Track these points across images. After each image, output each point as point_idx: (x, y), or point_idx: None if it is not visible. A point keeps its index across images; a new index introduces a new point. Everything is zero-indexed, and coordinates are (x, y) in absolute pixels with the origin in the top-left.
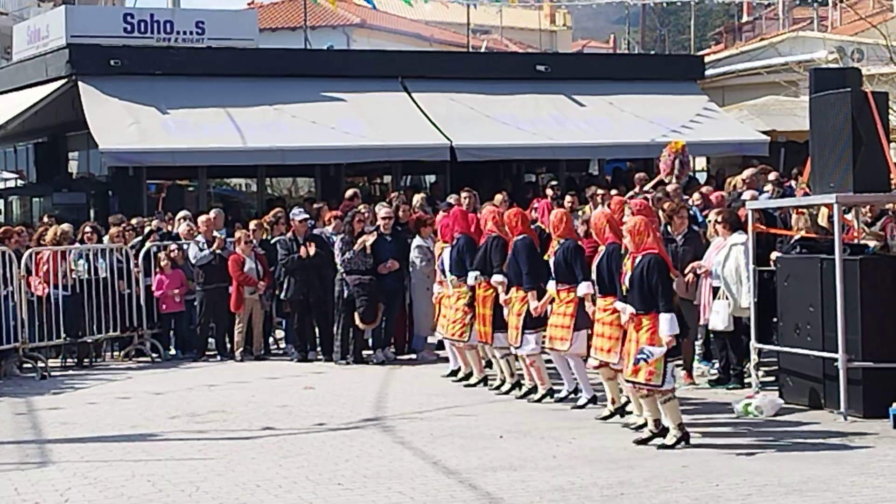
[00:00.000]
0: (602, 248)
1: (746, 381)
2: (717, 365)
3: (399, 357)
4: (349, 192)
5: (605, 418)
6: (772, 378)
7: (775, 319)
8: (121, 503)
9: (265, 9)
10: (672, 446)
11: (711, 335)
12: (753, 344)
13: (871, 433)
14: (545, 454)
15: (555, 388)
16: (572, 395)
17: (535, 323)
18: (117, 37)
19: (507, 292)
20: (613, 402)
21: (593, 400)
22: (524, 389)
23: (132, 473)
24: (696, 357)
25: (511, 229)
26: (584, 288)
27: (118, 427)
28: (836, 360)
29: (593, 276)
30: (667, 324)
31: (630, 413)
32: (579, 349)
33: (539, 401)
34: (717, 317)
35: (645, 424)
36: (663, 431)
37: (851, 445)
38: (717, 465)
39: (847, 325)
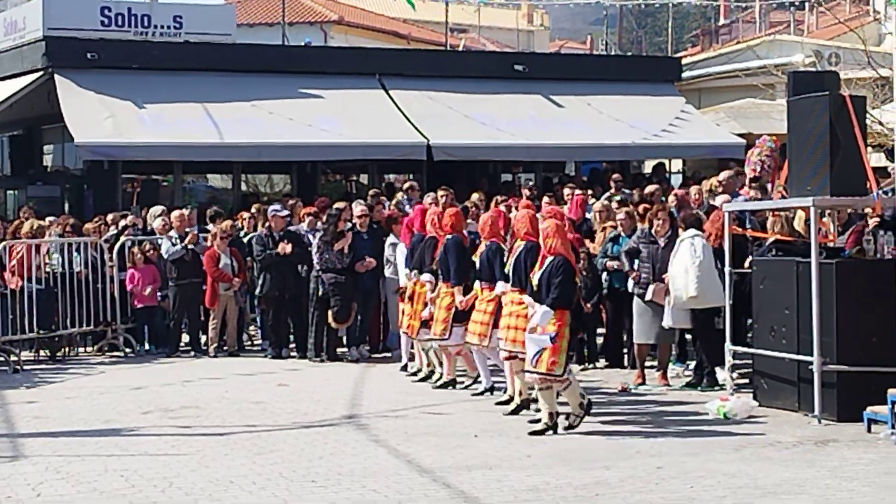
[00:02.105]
0: (520, 245)
1: (721, 382)
2: (690, 366)
3: (374, 355)
4: (406, 184)
5: (512, 412)
6: (746, 380)
7: (750, 321)
8: (93, 498)
9: (243, 4)
10: (574, 427)
11: (688, 337)
12: (728, 346)
13: (845, 437)
14: (520, 453)
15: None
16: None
17: (462, 317)
18: (94, 30)
19: (434, 289)
20: (520, 395)
21: (490, 390)
22: (441, 380)
23: (105, 468)
24: (671, 359)
25: (443, 228)
26: (500, 287)
27: (91, 422)
28: (810, 363)
29: (509, 271)
30: (539, 315)
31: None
32: (494, 345)
33: (467, 387)
34: (666, 314)
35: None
36: (555, 425)
37: (826, 449)
38: (691, 467)
39: (822, 328)
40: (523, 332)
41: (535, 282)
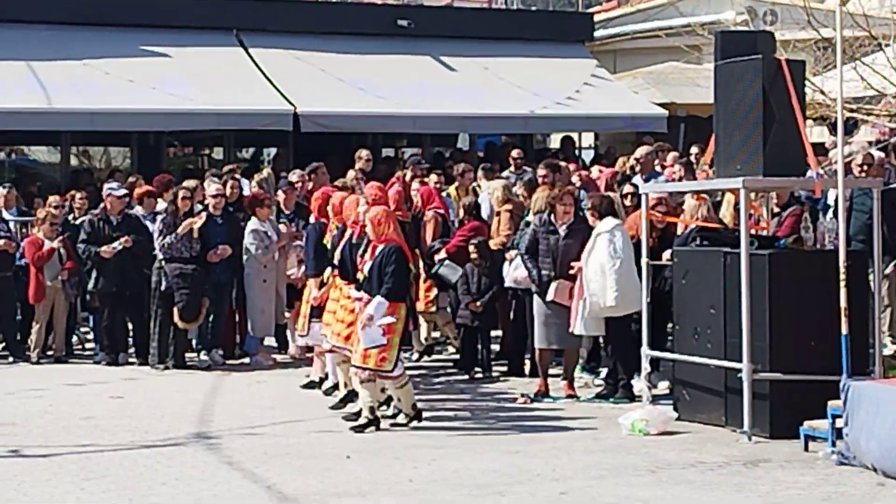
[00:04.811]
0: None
1: (637, 394)
2: (602, 375)
3: (228, 361)
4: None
5: (336, 406)
6: (665, 391)
7: (670, 324)
8: None
9: None
10: (405, 424)
11: (600, 341)
12: (644, 351)
13: (778, 456)
14: (400, 477)
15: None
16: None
17: (319, 312)
18: None
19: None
20: (346, 386)
21: (336, 386)
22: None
23: None
24: (579, 366)
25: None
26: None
27: None
28: (739, 370)
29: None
30: (373, 307)
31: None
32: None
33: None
34: (577, 321)
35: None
36: (377, 420)
37: (756, 470)
38: (600, 492)
39: (753, 330)
40: (350, 327)
41: (365, 272)
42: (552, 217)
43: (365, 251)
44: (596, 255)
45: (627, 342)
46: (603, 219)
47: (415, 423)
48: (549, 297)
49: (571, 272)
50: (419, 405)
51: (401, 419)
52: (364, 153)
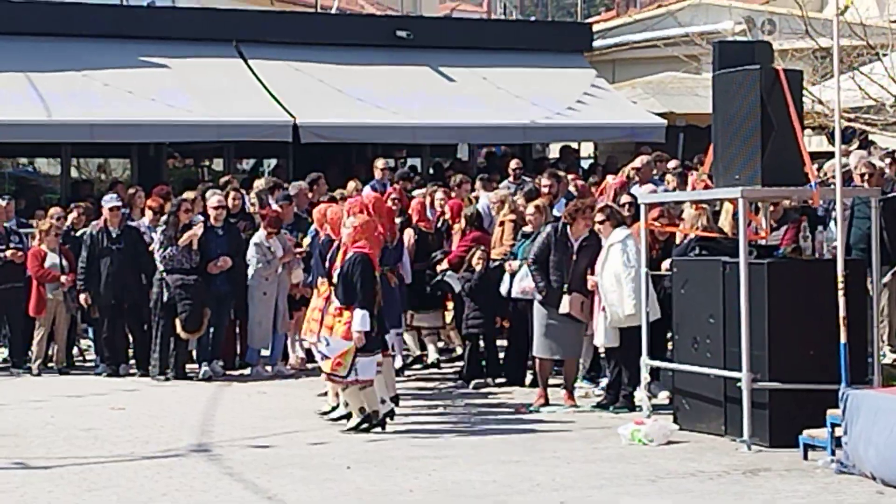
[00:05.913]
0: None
1: (637, 403)
2: (602, 384)
3: (229, 372)
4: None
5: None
6: (665, 401)
7: (670, 333)
8: None
9: None
10: (355, 428)
11: (601, 352)
12: (644, 361)
13: (778, 465)
14: (400, 488)
15: None
16: None
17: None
18: None
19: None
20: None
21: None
22: None
23: None
24: (579, 376)
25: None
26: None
27: None
28: (738, 379)
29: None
30: (358, 319)
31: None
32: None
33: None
34: (600, 332)
35: (348, 416)
36: (370, 417)
37: (756, 479)
38: (600, 501)
39: (752, 339)
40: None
41: (335, 278)
42: (568, 228)
43: (335, 257)
44: (610, 265)
45: (637, 352)
46: (615, 229)
47: (366, 426)
48: (563, 309)
49: (589, 287)
50: (418, 413)
51: (352, 422)
52: (381, 163)
